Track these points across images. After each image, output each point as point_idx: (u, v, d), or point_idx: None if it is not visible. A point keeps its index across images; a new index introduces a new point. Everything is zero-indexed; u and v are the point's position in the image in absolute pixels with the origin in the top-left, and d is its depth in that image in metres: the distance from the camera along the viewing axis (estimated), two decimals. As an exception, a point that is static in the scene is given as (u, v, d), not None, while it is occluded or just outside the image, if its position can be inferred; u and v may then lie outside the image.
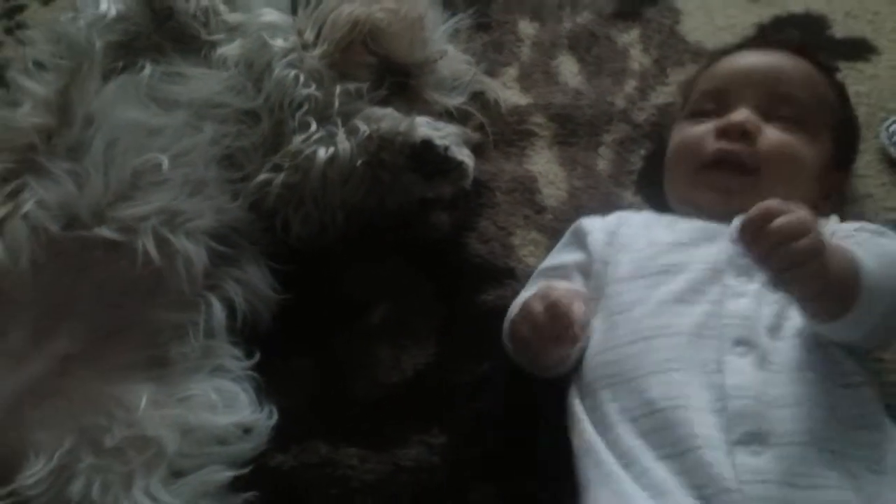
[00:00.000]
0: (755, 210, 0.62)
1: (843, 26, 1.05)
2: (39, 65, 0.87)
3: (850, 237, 0.73)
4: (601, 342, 0.75)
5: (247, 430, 0.73)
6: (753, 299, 0.70)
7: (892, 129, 0.92)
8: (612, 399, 0.70)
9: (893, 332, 0.71)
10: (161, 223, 0.76)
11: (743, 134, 0.79)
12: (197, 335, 0.76)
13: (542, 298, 0.72)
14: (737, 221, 0.66)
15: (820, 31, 1.04)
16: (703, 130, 0.82)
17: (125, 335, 0.75)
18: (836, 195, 0.85)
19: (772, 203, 0.62)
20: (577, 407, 0.73)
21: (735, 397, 0.65)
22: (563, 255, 0.82)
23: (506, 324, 0.79)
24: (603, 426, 0.70)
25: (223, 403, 0.72)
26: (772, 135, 0.79)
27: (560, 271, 0.81)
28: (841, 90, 0.88)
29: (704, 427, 0.65)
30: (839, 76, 0.97)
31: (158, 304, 0.77)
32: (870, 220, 0.83)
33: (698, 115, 0.85)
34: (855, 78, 0.99)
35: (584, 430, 0.71)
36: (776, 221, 0.60)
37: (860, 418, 0.67)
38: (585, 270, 0.80)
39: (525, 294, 0.79)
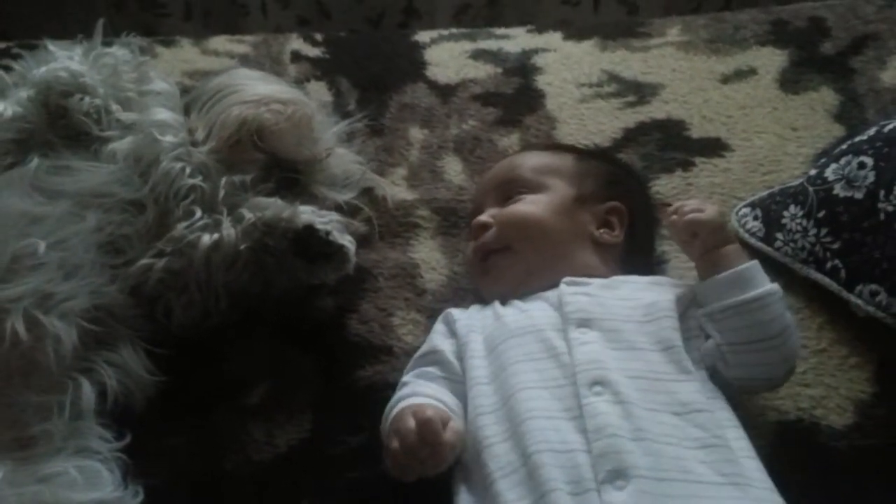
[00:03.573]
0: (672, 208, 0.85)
1: (699, 128, 1.16)
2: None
3: None
4: (474, 411, 0.77)
5: (109, 510, 0.71)
6: (598, 344, 0.76)
7: (740, 213, 1.01)
8: (490, 460, 0.72)
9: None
10: (33, 304, 0.77)
11: (482, 227, 0.92)
12: (63, 416, 0.75)
13: (414, 414, 0.73)
14: (563, 286, 0.82)
15: (679, 132, 1.15)
16: (471, 244, 0.95)
17: (-10, 416, 0.74)
18: (621, 223, 0.93)
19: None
20: (456, 478, 0.75)
21: (597, 438, 0.69)
22: (436, 342, 0.86)
23: (385, 420, 0.79)
24: (483, 488, 0.72)
25: (84, 482, 0.71)
26: (501, 213, 0.93)
27: (436, 356, 0.84)
28: (577, 151, 1.02)
29: (576, 469, 0.68)
30: (696, 170, 1.08)
31: (26, 385, 0.76)
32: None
33: (470, 233, 0.96)
34: (710, 171, 1.09)
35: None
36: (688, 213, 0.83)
37: (709, 440, 0.71)
38: (458, 355, 0.84)
39: (402, 394, 0.81)
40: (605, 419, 0.70)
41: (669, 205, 1.02)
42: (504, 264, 0.90)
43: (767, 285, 0.78)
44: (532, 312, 0.82)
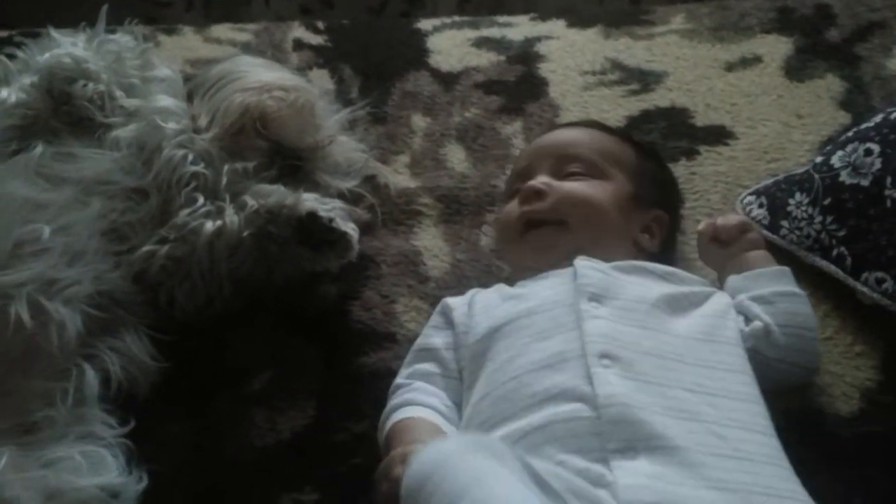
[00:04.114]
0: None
1: (703, 116, 1.15)
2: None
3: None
4: (476, 396, 0.77)
5: (114, 495, 0.72)
6: (609, 319, 0.76)
7: (745, 201, 1.01)
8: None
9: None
10: (36, 290, 0.77)
11: (536, 194, 0.89)
12: (66, 402, 0.75)
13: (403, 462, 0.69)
14: (578, 260, 0.80)
15: (683, 120, 1.14)
16: (513, 204, 0.92)
17: (-7, 402, 0.74)
18: (660, 232, 0.92)
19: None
20: None
21: (608, 405, 0.68)
22: (432, 338, 0.85)
23: (382, 427, 0.79)
24: None
25: (89, 467, 0.71)
26: (561, 186, 0.90)
27: (431, 353, 0.84)
28: (638, 147, 0.99)
29: (580, 439, 0.67)
30: (700, 158, 1.08)
31: (29, 371, 0.76)
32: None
33: (511, 194, 0.94)
34: (715, 159, 1.09)
35: None
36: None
37: (723, 417, 0.70)
38: (454, 346, 0.84)
39: (398, 402, 0.79)
40: (615, 388, 0.69)
41: None
42: (554, 238, 0.87)
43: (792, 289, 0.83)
44: (542, 291, 0.81)
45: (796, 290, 0.83)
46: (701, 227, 0.90)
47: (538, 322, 0.78)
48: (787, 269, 0.85)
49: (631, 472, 0.64)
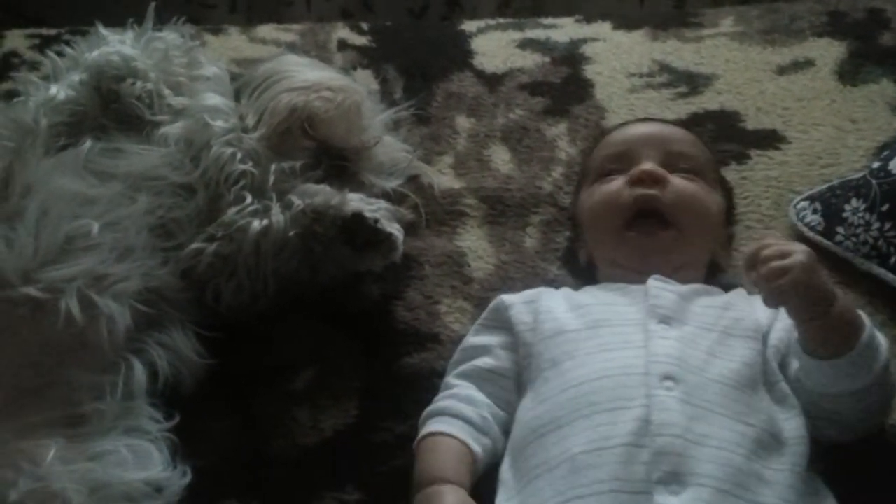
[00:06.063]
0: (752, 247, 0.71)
1: (754, 120, 1.13)
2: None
3: None
4: (532, 399, 0.76)
5: (158, 489, 0.72)
6: (678, 342, 0.73)
7: (798, 206, 0.98)
8: (539, 451, 0.71)
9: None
10: (87, 285, 0.78)
11: (654, 180, 0.83)
12: (115, 395, 0.76)
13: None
14: (652, 280, 0.77)
15: (733, 123, 1.12)
16: (616, 185, 0.86)
17: (43, 394, 0.75)
18: (728, 255, 0.91)
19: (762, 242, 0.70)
20: (503, 468, 0.74)
21: (659, 434, 0.67)
22: (485, 337, 0.83)
23: (422, 424, 0.78)
24: (526, 480, 0.70)
25: (134, 461, 0.71)
26: (678, 182, 0.85)
27: (483, 350, 0.82)
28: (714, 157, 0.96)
29: (625, 466, 0.66)
30: (751, 163, 1.06)
31: (79, 364, 0.77)
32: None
33: (605, 175, 0.90)
34: (766, 164, 1.06)
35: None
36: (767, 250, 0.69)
37: (779, 471, 0.68)
38: (510, 347, 0.82)
39: (439, 407, 0.78)
40: (671, 416, 0.68)
41: None
42: (669, 245, 0.81)
43: (875, 368, 0.69)
44: (610, 307, 0.79)
45: (858, 386, 0.69)
46: (751, 274, 0.70)
47: (604, 335, 0.76)
48: (860, 354, 0.68)
49: None
